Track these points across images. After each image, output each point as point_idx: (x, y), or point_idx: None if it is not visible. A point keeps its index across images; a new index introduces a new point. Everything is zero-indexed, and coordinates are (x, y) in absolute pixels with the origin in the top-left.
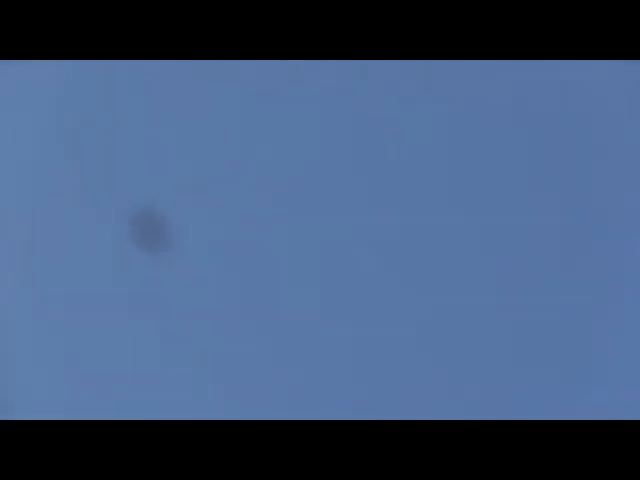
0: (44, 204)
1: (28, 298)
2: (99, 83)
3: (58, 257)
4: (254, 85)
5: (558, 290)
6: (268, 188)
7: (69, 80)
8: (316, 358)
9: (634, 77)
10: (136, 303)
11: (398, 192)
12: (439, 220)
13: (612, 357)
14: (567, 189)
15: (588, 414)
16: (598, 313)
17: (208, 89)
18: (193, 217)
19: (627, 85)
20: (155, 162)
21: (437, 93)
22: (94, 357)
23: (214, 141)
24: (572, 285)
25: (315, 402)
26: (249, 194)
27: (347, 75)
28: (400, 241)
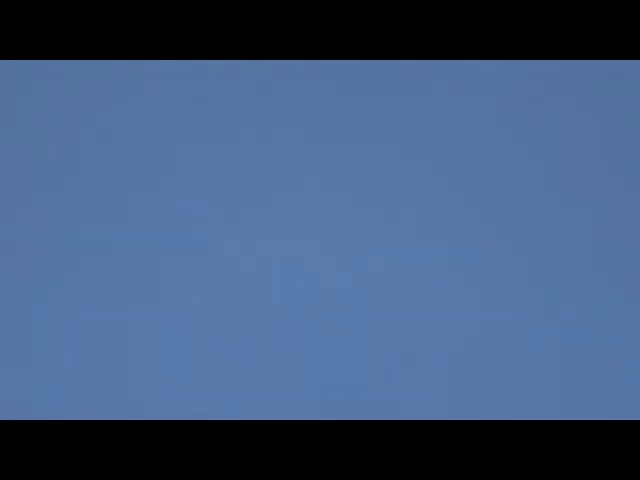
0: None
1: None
2: (98, 83)
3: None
4: (254, 85)
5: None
6: (266, 191)
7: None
8: (315, 358)
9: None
10: (135, 304)
11: (399, 192)
12: (440, 220)
13: (612, 357)
14: (569, 188)
15: (588, 414)
16: (599, 313)
17: (208, 89)
18: (192, 218)
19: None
20: (154, 161)
21: (437, 93)
22: (95, 358)
23: (213, 141)
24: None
25: (315, 402)
26: (249, 195)
27: (347, 75)
28: (400, 241)
